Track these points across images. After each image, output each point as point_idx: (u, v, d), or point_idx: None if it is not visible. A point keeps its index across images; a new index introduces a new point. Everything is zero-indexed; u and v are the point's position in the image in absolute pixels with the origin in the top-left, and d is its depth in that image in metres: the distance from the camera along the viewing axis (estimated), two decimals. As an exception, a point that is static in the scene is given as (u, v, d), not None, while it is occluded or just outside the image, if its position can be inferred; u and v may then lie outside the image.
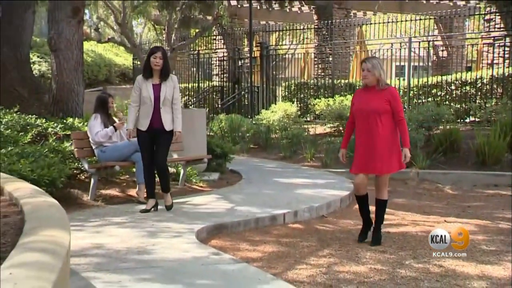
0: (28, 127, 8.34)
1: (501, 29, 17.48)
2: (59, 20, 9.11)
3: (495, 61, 16.60)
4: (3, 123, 8.23)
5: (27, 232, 2.86)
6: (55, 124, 8.50)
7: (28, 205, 3.60)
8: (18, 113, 8.69)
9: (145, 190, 7.52)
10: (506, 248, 5.98)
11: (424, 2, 22.31)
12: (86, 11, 16.08)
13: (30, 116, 8.63)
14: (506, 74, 15.19)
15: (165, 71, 6.88)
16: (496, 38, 17.22)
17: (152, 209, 7.13)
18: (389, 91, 5.83)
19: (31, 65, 11.47)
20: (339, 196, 8.48)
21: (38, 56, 19.97)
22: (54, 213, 3.38)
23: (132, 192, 8.21)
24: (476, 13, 20.02)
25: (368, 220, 6.10)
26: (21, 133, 8.13)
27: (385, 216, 6.16)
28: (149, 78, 6.88)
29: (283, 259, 5.53)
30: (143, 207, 7.52)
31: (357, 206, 8.46)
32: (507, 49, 16.71)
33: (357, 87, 17.91)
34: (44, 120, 8.56)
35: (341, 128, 14.53)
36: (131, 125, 7.01)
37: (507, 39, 16.61)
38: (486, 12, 18.49)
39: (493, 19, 18.11)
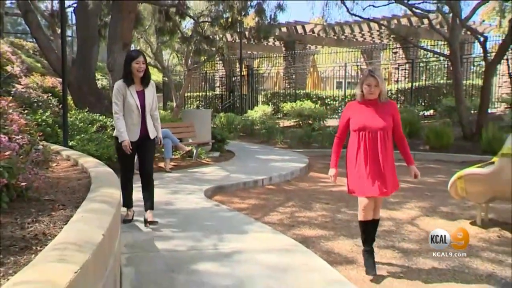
0: (94, 122, 8.25)
1: (403, 58, 17.83)
2: (114, 51, 8.98)
3: (399, 79, 17.01)
4: (78, 119, 8.16)
5: (93, 190, 2.86)
6: (111, 120, 8.41)
7: (93, 172, 3.58)
8: (87, 112, 8.60)
9: (126, 203, 4.66)
10: (405, 200, 6.09)
11: (355, 40, 22.30)
12: (132, 44, 15.83)
13: (95, 114, 8.55)
14: (406, 87, 15.75)
15: (147, 76, 4.37)
16: (400, 64, 17.63)
17: (133, 217, 4.60)
18: (392, 105, 3.56)
19: (96, 81, 11.34)
20: (299, 167, 8.51)
21: (100, 75, 19.64)
22: (110, 177, 3.37)
23: (161, 164, 8.15)
24: (387, 48, 20.13)
25: (372, 250, 3.61)
26: (89, 125, 8.04)
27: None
28: (131, 84, 4.33)
29: (261, 209, 5.56)
30: (170, 174, 7.48)
31: (312, 173, 8.44)
32: (407, 71, 17.06)
33: (312, 95, 17.89)
34: (104, 117, 8.48)
35: (300, 123, 14.57)
36: (126, 135, 4.27)
37: (407, 65, 16.96)
38: (393, 47, 18.75)
39: (398, 52, 18.40)
